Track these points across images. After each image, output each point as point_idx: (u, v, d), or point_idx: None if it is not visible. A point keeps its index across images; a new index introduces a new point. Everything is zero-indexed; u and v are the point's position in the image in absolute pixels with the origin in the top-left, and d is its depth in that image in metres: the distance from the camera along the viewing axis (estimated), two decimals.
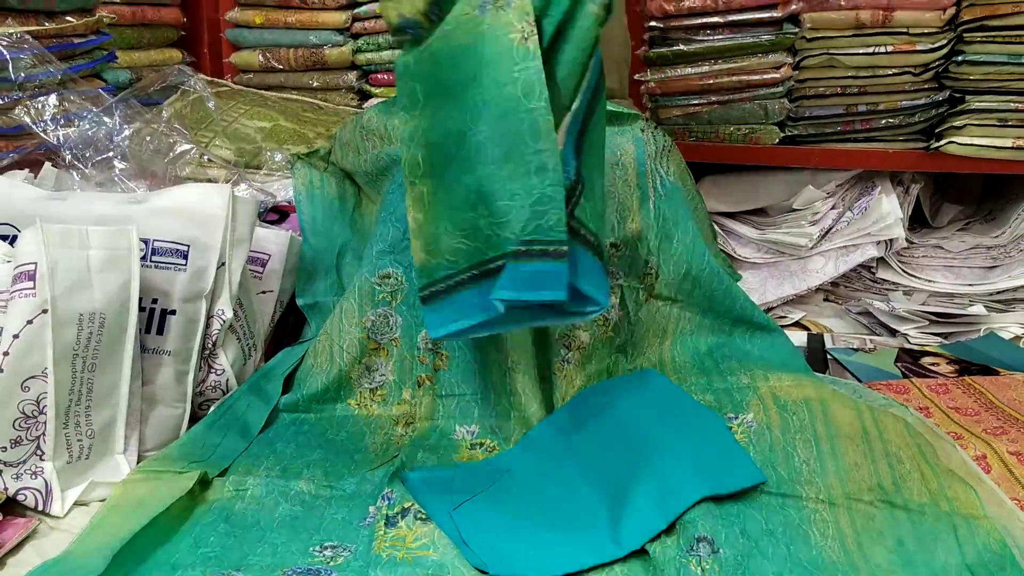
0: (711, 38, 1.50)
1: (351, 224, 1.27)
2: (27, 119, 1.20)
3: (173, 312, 0.99)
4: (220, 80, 1.86)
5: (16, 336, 0.84)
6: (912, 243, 1.51)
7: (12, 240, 0.97)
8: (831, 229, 1.47)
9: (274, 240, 1.19)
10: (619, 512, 0.83)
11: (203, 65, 1.97)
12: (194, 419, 1.03)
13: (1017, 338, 1.37)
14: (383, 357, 1.10)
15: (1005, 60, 1.35)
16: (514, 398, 1.04)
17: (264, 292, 1.17)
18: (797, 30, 1.41)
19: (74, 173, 1.17)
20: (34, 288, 0.85)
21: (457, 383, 1.08)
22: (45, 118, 1.20)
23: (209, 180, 1.29)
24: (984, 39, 1.36)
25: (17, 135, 1.22)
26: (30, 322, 0.85)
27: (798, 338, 1.35)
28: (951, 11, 1.36)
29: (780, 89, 1.45)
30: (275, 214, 1.32)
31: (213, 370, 1.04)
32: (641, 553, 0.79)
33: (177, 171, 1.22)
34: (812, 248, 1.48)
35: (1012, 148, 1.37)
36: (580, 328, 1.10)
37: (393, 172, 1.15)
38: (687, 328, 1.15)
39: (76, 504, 0.88)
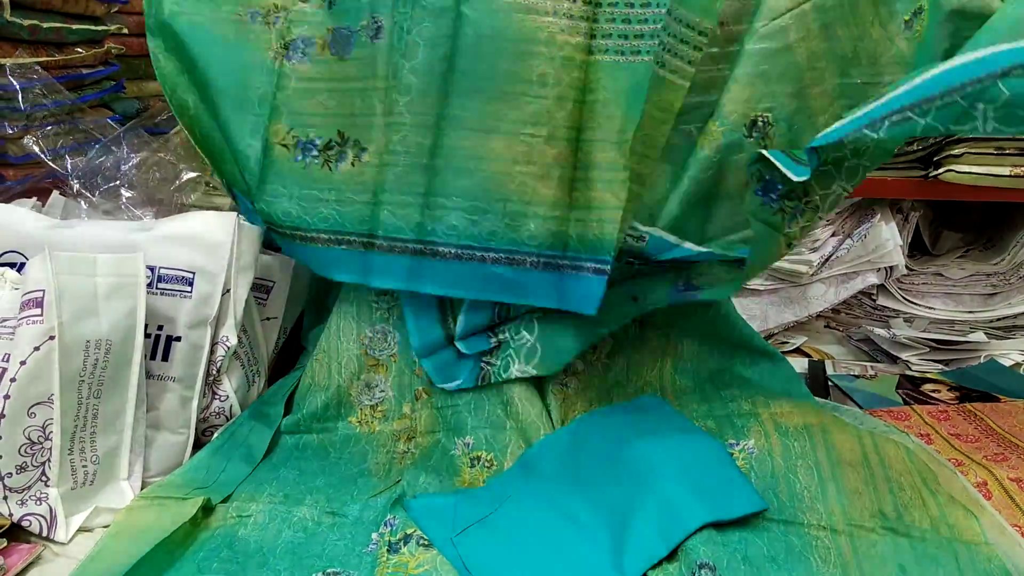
0: None
1: None
2: (36, 148, 1.21)
3: (178, 339, 1.00)
4: None
5: (23, 363, 0.85)
6: (912, 270, 1.52)
7: (20, 267, 0.98)
8: (831, 256, 1.48)
9: (278, 267, 1.19)
10: (620, 539, 0.83)
11: None
12: (197, 445, 1.03)
13: (1017, 365, 1.37)
14: (382, 373, 1.11)
15: None
16: (511, 408, 1.04)
17: (268, 319, 1.18)
18: None
19: (81, 201, 1.18)
20: (41, 315, 0.86)
21: (450, 394, 1.08)
22: (54, 147, 1.22)
23: (215, 208, 1.30)
24: None
25: (25, 164, 1.23)
26: (37, 348, 0.86)
27: (799, 364, 1.35)
28: None
29: None
30: None
31: (217, 396, 1.05)
32: None
33: (183, 199, 1.23)
34: (812, 275, 1.49)
35: (1010, 176, 1.38)
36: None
37: None
38: (686, 355, 1.15)
39: (80, 530, 0.88)
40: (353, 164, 1.02)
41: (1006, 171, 1.38)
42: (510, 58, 0.95)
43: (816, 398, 1.13)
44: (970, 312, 1.47)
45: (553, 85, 0.95)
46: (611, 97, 0.95)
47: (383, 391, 1.11)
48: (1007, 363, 1.37)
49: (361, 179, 1.02)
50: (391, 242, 1.01)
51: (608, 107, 0.96)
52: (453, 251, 0.99)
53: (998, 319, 1.46)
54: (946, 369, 1.38)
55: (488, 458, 1.01)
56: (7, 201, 1.14)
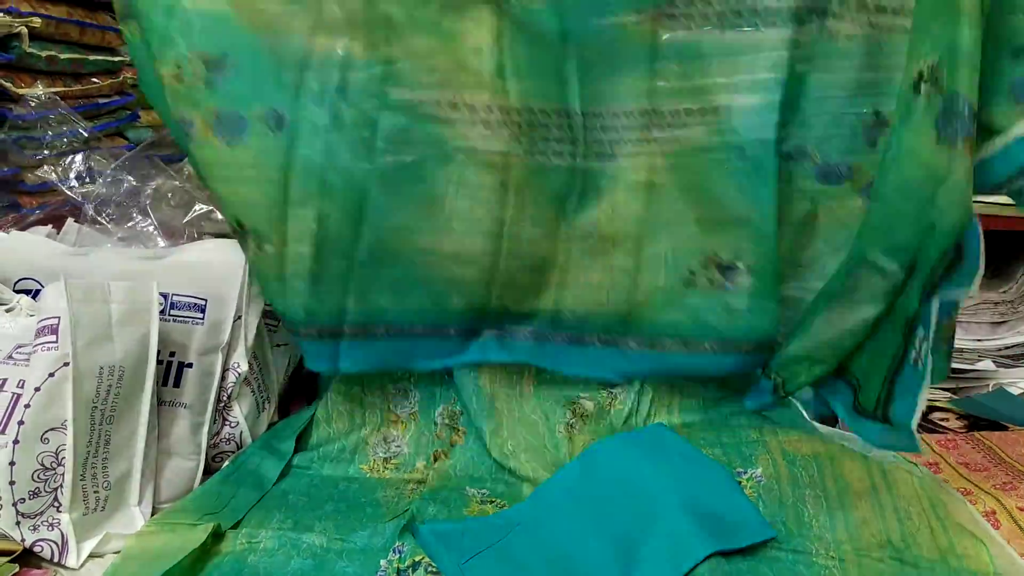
0: None
1: None
2: (53, 176, 1.23)
3: (190, 365, 1.01)
4: None
5: (37, 389, 0.86)
6: None
7: (35, 294, 1.00)
8: None
9: None
10: (629, 567, 0.83)
11: None
12: (207, 472, 1.04)
13: None
14: (400, 430, 1.12)
15: None
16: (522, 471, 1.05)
17: (279, 345, 1.19)
18: None
19: (96, 229, 1.20)
20: (57, 342, 0.87)
21: (472, 459, 1.09)
22: (70, 176, 1.23)
23: (228, 235, 1.31)
24: None
25: (42, 192, 1.25)
26: (52, 375, 0.86)
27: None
28: None
29: None
30: None
31: (227, 423, 1.06)
32: None
33: (196, 227, 1.25)
34: None
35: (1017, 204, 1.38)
36: (584, 397, 1.11)
37: None
38: (693, 392, 1.14)
39: (91, 556, 0.88)
40: (255, 254, 1.01)
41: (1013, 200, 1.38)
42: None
43: (823, 426, 1.13)
44: (978, 340, 1.47)
45: (476, 187, 0.99)
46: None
47: (399, 446, 1.11)
48: (1015, 391, 1.36)
49: (269, 270, 1.01)
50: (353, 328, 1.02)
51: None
52: (383, 330, 1.01)
53: (1006, 347, 1.46)
54: (955, 397, 1.38)
55: (502, 503, 1.01)
56: (23, 228, 1.16)
